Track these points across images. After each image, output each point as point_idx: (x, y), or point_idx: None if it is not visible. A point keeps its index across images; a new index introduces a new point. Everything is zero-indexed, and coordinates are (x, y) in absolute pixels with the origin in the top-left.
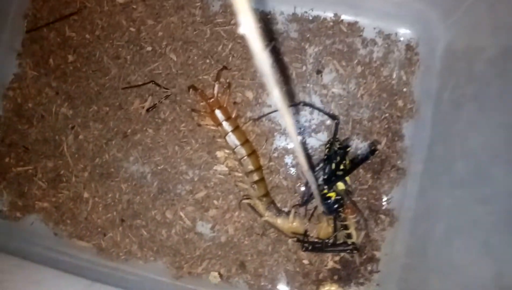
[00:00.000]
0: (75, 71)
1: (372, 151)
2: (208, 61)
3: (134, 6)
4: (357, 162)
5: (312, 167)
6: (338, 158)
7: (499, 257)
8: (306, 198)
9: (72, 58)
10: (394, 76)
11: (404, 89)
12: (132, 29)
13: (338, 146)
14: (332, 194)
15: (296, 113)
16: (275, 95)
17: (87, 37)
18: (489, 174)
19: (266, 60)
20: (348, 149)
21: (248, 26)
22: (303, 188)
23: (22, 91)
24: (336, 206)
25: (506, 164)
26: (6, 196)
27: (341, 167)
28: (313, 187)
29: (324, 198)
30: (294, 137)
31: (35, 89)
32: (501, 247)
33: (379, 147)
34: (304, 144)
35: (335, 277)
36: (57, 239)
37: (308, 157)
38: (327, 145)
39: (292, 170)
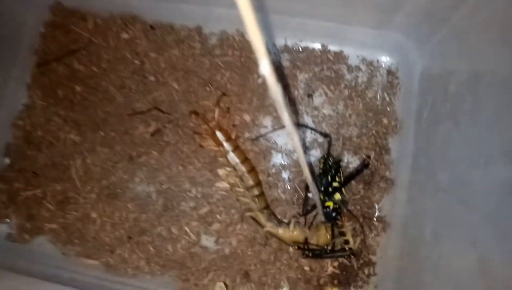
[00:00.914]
0: (82, 100)
1: (365, 165)
2: (208, 88)
3: (138, 41)
4: (352, 175)
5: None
6: (333, 171)
7: (481, 247)
8: (307, 209)
9: (79, 89)
10: (378, 97)
11: (388, 109)
12: (136, 61)
13: (331, 160)
14: (330, 203)
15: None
16: (286, 118)
17: (94, 70)
18: (467, 180)
19: (279, 92)
20: (340, 163)
21: (265, 67)
22: (304, 199)
23: (31, 120)
24: (334, 214)
25: (481, 169)
26: (15, 220)
27: (337, 179)
28: (316, 198)
29: (323, 207)
30: (300, 152)
31: (43, 118)
32: (482, 238)
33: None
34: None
35: (335, 282)
36: (65, 259)
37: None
38: (322, 161)
39: (289, 184)
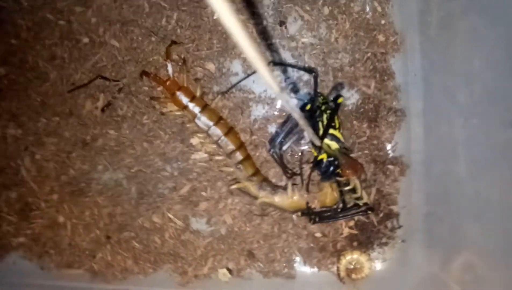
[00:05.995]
0: (11, 85)
1: (335, 99)
2: (153, 39)
3: None
4: (329, 117)
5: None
6: (326, 114)
7: None
8: (292, 170)
9: (3, 71)
10: (368, 9)
11: (382, 22)
12: (61, 22)
13: (321, 101)
14: (323, 156)
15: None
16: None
17: (13, 42)
18: (503, 92)
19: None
20: (340, 100)
21: None
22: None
23: None
24: (331, 169)
25: None
26: None
27: (332, 124)
28: (301, 121)
29: (316, 163)
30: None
31: None
32: None
33: (367, 91)
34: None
35: (355, 244)
36: (46, 273)
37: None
38: (308, 103)
39: None
